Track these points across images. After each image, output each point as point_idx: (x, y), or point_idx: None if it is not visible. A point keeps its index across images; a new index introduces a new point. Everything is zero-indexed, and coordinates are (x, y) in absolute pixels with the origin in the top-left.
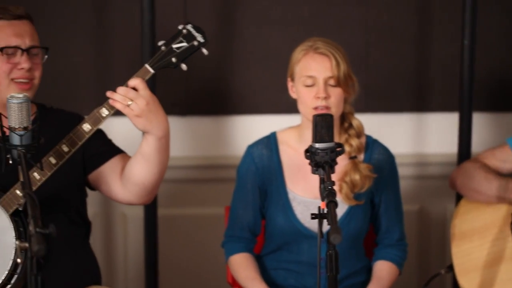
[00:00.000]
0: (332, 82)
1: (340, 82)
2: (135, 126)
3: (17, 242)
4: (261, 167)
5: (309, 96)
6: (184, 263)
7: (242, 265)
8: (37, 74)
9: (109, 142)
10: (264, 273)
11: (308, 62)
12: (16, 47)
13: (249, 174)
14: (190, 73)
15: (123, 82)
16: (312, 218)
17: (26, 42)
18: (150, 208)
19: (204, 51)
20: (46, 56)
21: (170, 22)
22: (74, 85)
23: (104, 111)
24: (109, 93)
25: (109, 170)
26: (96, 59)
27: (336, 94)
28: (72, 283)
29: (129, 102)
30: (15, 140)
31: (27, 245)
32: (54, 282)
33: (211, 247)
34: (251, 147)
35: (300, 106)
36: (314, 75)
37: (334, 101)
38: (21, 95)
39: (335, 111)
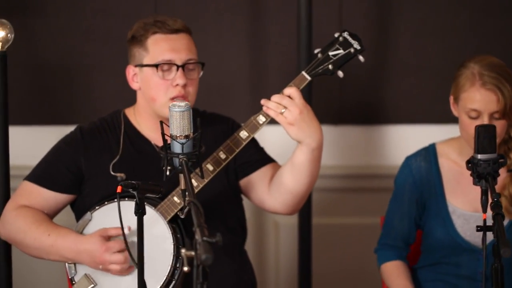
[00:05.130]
0: (497, 115)
1: (505, 115)
2: (288, 135)
3: (184, 251)
4: (419, 179)
5: (472, 127)
6: (338, 273)
7: (394, 273)
8: (192, 90)
9: (261, 150)
10: (418, 286)
11: (474, 94)
12: (171, 63)
13: (406, 186)
14: (344, 82)
15: (278, 90)
16: (478, 231)
17: (181, 57)
18: (305, 217)
19: (361, 58)
20: (201, 72)
21: (325, 31)
22: (230, 93)
23: (261, 118)
24: (263, 101)
25: (258, 179)
26: (251, 68)
27: (501, 125)
28: None
29: (282, 110)
30: (177, 148)
31: (193, 253)
32: None
33: (365, 257)
34: (409, 159)
35: (462, 132)
36: (479, 109)
37: (498, 132)
38: (183, 104)
39: (498, 141)
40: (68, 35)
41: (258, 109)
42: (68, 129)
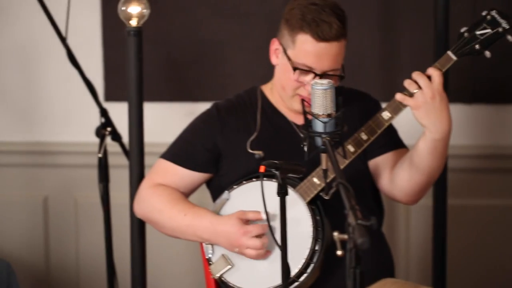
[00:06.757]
0: None
1: None
2: (414, 117)
3: (336, 234)
4: None
5: None
6: (474, 257)
7: None
8: None
9: (391, 133)
10: None
11: None
12: (310, 70)
13: None
14: (478, 59)
15: (408, 70)
16: None
17: (323, 67)
18: (440, 198)
19: (510, 38)
20: (339, 83)
21: (461, 7)
22: (359, 71)
23: None
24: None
25: (383, 163)
26: (382, 45)
27: None
28: (368, 275)
29: (415, 90)
30: (319, 127)
31: (346, 237)
32: None
33: (505, 241)
34: None
35: None
36: None
37: None
38: (325, 81)
39: None
40: (199, 11)
41: (388, 88)
42: (199, 106)
